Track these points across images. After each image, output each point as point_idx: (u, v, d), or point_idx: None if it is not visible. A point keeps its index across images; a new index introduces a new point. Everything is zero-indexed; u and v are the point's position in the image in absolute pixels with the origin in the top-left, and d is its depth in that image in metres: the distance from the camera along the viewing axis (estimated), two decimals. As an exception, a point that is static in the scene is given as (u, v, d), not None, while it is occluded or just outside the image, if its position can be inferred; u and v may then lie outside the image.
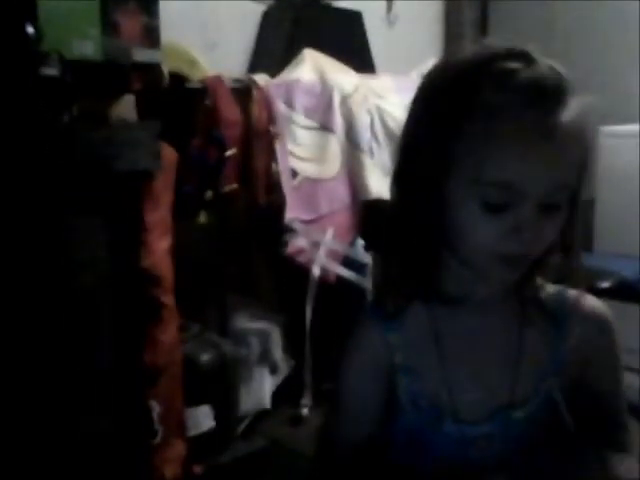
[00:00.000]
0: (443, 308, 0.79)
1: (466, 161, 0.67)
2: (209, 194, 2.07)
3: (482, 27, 3.55)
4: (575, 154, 0.68)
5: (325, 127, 2.36)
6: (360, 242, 2.39)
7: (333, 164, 2.37)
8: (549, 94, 0.66)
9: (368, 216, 2.40)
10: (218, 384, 2.02)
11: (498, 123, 0.65)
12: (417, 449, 0.81)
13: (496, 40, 0.72)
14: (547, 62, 0.70)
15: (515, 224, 0.67)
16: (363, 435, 0.82)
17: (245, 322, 2.31)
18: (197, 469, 1.87)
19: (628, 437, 0.81)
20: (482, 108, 0.66)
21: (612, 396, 0.82)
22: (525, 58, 0.69)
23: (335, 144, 2.37)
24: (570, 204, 0.71)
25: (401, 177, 0.76)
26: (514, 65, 0.67)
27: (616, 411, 0.82)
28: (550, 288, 0.82)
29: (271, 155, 2.22)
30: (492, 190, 0.67)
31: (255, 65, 2.61)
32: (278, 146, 2.23)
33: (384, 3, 3.17)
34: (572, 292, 0.81)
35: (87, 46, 1.43)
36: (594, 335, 0.81)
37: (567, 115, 0.66)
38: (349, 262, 2.35)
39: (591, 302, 0.83)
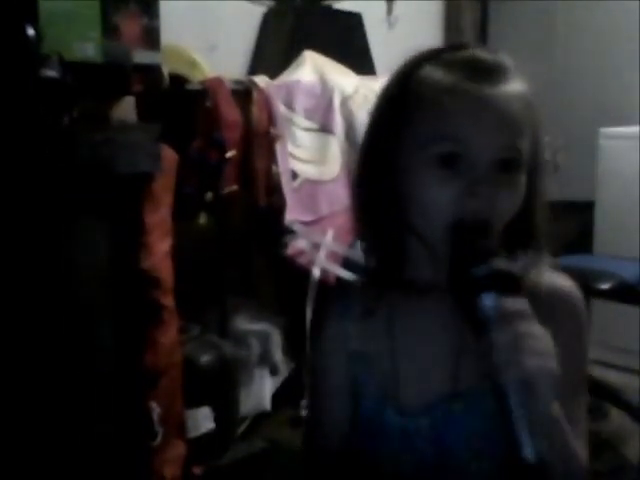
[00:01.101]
0: (400, 298, 0.81)
1: (416, 130, 0.73)
2: (209, 196, 2.07)
3: (482, 27, 3.55)
4: (518, 122, 0.72)
5: (325, 129, 2.37)
6: (360, 244, 2.39)
7: (333, 166, 2.37)
8: (483, 68, 0.73)
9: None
10: (218, 385, 2.02)
11: (441, 92, 0.72)
12: (371, 437, 0.82)
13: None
14: (487, 50, 0.77)
15: (469, 183, 0.70)
16: (341, 419, 0.83)
17: (245, 323, 2.31)
18: (197, 470, 1.87)
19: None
20: (425, 83, 0.74)
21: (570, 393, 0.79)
22: (465, 46, 0.77)
23: (335, 146, 2.37)
24: (530, 174, 0.75)
25: (362, 161, 0.81)
26: (452, 51, 0.76)
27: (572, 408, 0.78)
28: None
29: (271, 157, 2.22)
30: (443, 145, 0.71)
31: (255, 67, 2.62)
32: (278, 148, 2.23)
33: (384, 5, 3.17)
34: (536, 272, 0.80)
35: (87, 48, 1.43)
36: (556, 314, 0.78)
37: (505, 86, 0.72)
38: (349, 263, 2.35)
39: (555, 280, 0.82)
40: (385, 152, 0.77)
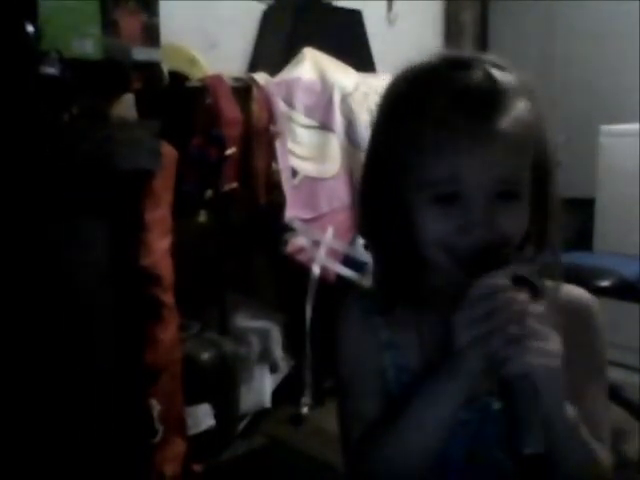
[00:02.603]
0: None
1: (414, 165, 0.73)
2: (209, 193, 2.07)
3: (482, 27, 3.55)
4: (514, 153, 0.71)
5: (325, 126, 2.36)
6: (360, 241, 2.39)
7: (333, 163, 2.37)
8: (476, 99, 0.70)
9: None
10: (218, 383, 2.02)
11: (432, 128, 0.70)
12: None
13: (458, 46, 0.78)
14: (486, 68, 0.73)
15: (463, 218, 0.71)
16: (376, 408, 0.81)
17: (245, 321, 2.31)
18: (197, 468, 1.87)
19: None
20: (416, 115, 0.72)
21: (591, 405, 0.80)
22: (463, 65, 0.73)
23: (335, 143, 2.37)
24: (537, 199, 0.74)
25: (366, 183, 0.81)
26: (449, 72, 0.73)
27: (594, 423, 0.78)
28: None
29: (271, 154, 2.22)
30: (437, 187, 0.71)
31: (255, 64, 2.61)
32: (278, 145, 2.23)
33: (384, 2, 3.17)
34: (552, 283, 0.81)
35: (87, 45, 1.43)
36: (575, 325, 0.79)
37: (499, 117, 0.70)
38: (349, 261, 2.35)
39: (575, 292, 0.83)
40: (386, 179, 0.77)
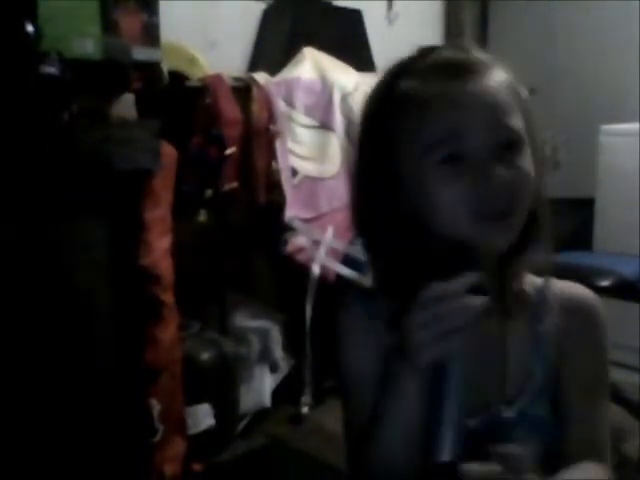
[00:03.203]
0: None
1: (410, 143, 0.74)
2: (209, 193, 2.07)
3: (482, 27, 3.55)
4: (505, 102, 0.73)
5: (325, 125, 2.36)
6: (360, 240, 2.39)
7: (333, 162, 2.37)
8: (459, 65, 0.74)
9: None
10: (218, 382, 2.02)
11: (423, 101, 0.73)
12: None
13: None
14: (459, 47, 0.77)
15: (476, 172, 0.70)
16: None
17: (245, 320, 2.31)
18: (197, 467, 1.87)
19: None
20: (406, 97, 0.75)
21: (589, 393, 0.80)
22: (434, 50, 0.78)
23: (335, 142, 2.37)
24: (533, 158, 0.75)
25: (361, 177, 0.81)
26: (422, 56, 0.77)
27: (592, 430, 0.79)
28: (532, 279, 0.82)
29: (271, 154, 2.22)
30: (441, 149, 0.72)
31: (255, 63, 2.61)
32: (278, 144, 2.23)
33: (384, 1, 3.17)
34: (557, 282, 0.81)
35: (87, 45, 1.42)
36: (576, 321, 0.80)
37: (485, 77, 0.73)
38: (349, 260, 2.35)
39: (576, 289, 0.83)
40: (383, 171, 0.77)
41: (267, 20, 2.68)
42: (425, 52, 0.78)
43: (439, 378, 0.66)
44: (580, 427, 0.79)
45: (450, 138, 0.71)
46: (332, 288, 2.31)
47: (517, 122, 0.73)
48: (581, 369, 0.79)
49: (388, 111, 0.77)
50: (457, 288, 0.65)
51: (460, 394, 0.65)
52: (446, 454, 0.64)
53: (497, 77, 0.74)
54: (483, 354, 0.77)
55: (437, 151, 0.72)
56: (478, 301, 0.65)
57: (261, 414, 2.29)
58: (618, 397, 1.93)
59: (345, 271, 2.34)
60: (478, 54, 0.76)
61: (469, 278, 0.66)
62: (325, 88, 2.37)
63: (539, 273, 0.82)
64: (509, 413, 0.78)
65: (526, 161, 0.73)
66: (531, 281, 0.82)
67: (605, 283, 1.87)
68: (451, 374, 0.65)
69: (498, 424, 0.78)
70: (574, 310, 0.81)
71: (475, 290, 0.66)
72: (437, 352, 0.65)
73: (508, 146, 0.72)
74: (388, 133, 0.77)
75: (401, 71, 0.78)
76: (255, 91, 2.17)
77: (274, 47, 2.59)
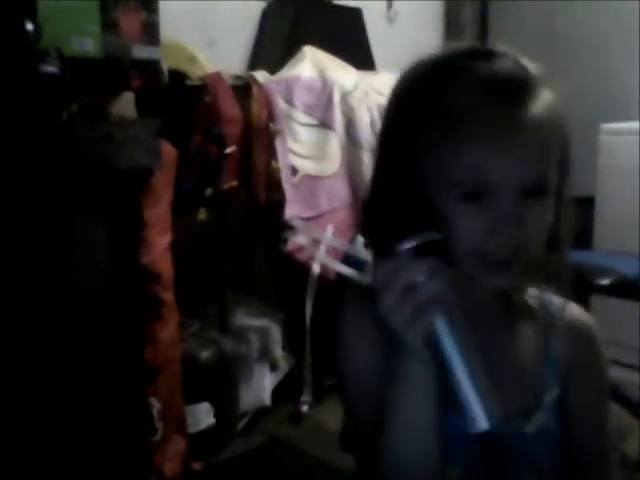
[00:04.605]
0: None
1: (438, 161, 0.68)
2: (209, 191, 2.07)
3: (482, 26, 3.55)
4: (545, 145, 0.68)
5: (325, 124, 2.36)
6: (360, 239, 2.39)
7: (333, 161, 2.37)
8: (508, 86, 0.67)
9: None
10: (218, 381, 2.02)
11: (459, 120, 0.66)
12: None
13: (461, 42, 0.75)
14: (512, 57, 0.70)
15: (494, 217, 0.67)
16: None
17: (245, 319, 2.31)
18: (197, 466, 1.87)
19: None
20: (442, 108, 0.68)
21: (595, 426, 0.81)
22: (486, 55, 0.70)
23: (335, 141, 2.37)
24: (555, 200, 0.71)
25: (382, 184, 0.77)
26: (473, 62, 0.69)
27: (598, 446, 0.79)
28: (533, 292, 0.81)
29: (271, 152, 2.22)
30: (465, 184, 0.67)
31: (255, 62, 2.61)
32: (278, 143, 2.23)
33: (384, 0, 3.16)
34: (557, 299, 0.81)
35: (87, 43, 1.42)
36: (579, 349, 0.80)
37: (531, 106, 0.67)
38: (349, 259, 2.35)
39: (576, 312, 0.83)
40: (407, 176, 0.72)
41: (267, 18, 2.67)
42: (474, 53, 0.71)
43: (440, 352, 0.64)
44: (588, 449, 0.80)
45: (478, 174, 0.67)
46: (332, 287, 2.31)
47: (552, 166, 0.69)
48: (585, 399, 0.80)
49: (422, 113, 0.70)
50: (399, 264, 0.64)
51: (469, 356, 0.63)
52: (483, 422, 0.63)
53: (545, 102, 0.68)
54: (495, 368, 0.74)
55: (460, 186, 0.68)
56: (432, 263, 0.63)
57: (261, 413, 2.29)
58: (618, 396, 1.93)
59: (345, 270, 2.33)
60: (532, 67, 0.70)
61: (417, 239, 0.64)
62: (325, 87, 2.37)
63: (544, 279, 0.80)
64: (530, 428, 0.77)
65: (548, 208, 0.70)
66: (532, 293, 0.81)
67: (605, 282, 1.86)
68: (447, 342, 0.64)
69: (521, 437, 0.77)
70: (575, 336, 0.81)
71: (430, 250, 0.64)
72: (420, 328, 0.63)
73: (536, 192, 0.68)
74: (416, 133, 0.71)
75: (449, 70, 0.70)
76: (255, 90, 2.17)
77: (274, 45, 2.58)
